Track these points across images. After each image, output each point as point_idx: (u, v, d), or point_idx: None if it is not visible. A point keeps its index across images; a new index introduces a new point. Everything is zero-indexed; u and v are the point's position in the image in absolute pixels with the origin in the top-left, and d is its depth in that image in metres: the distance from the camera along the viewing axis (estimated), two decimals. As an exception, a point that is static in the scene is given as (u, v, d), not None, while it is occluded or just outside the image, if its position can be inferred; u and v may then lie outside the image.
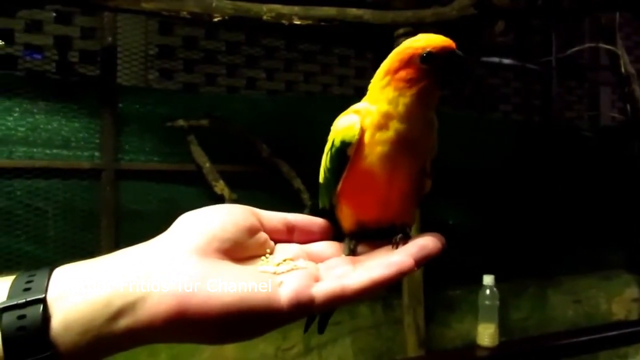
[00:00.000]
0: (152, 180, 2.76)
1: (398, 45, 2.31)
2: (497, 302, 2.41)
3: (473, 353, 2.36)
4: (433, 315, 3.26)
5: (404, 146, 0.66)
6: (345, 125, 0.68)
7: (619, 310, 4.12)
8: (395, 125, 0.66)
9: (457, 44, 0.65)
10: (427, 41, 0.65)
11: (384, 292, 3.21)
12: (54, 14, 2.76)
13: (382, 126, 0.67)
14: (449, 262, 3.25)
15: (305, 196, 2.81)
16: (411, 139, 0.66)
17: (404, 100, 0.66)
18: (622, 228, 4.08)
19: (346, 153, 0.68)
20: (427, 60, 0.64)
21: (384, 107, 0.67)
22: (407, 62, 0.66)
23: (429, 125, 0.68)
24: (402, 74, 0.66)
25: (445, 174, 3.42)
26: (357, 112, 0.69)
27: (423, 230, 2.28)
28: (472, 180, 3.53)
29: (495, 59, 4.08)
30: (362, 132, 0.67)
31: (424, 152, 0.69)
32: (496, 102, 4.36)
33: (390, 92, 0.67)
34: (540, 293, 3.88)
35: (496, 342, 2.35)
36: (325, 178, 0.74)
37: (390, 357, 3.21)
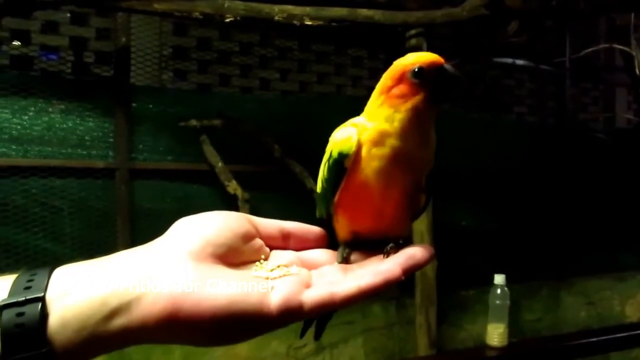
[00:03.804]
0: (165, 180, 2.78)
1: (410, 45, 2.32)
2: (508, 302, 2.40)
3: (482, 353, 2.36)
4: (445, 315, 3.26)
5: (399, 162, 0.68)
6: (343, 137, 0.70)
7: (633, 312, 4.10)
8: (391, 142, 0.67)
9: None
10: (416, 58, 0.68)
11: (397, 292, 3.22)
12: (69, 15, 2.79)
13: (378, 142, 0.68)
14: (463, 263, 3.25)
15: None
16: (407, 155, 0.68)
17: (399, 116, 0.67)
18: (636, 230, 4.05)
19: (343, 165, 0.70)
20: (419, 75, 0.67)
21: (381, 124, 0.69)
22: (399, 79, 0.68)
23: (426, 141, 0.70)
24: (396, 91, 0.68)
25: (459, 176, 3.42)
26: (355, 125, 0.71)
27: (435, 230, 2.30)
28: (486, 182, 3.53)
29: (509, 60, 4.06)
30: (360, 145, 0.69)
31: (419, 168, 0.70)
32: (510, 104, 4.34)
33: (385, 110, 0.68)
34: (553, 294, 3.86)
35: (505, 342, 2.34)
36: (323, 188, 0.75)
37: (401, 357, 3.21)
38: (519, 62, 4.08)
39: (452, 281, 3.23)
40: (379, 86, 0.70)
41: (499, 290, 2.41)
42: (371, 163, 0.68)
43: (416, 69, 0.66)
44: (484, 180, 3.52)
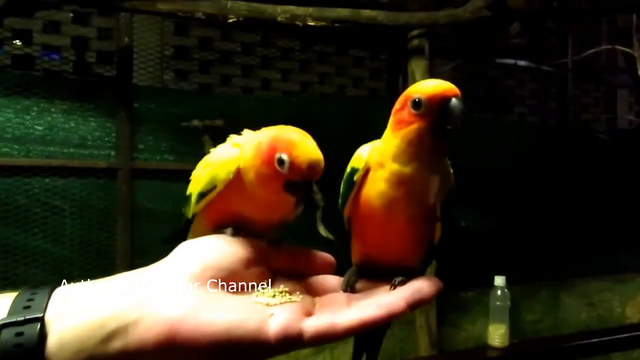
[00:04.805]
0: (167, 180, 2.78)
1: (412, 46, 2.32)
2: (508, 303, 2.40)
3: (484, 353, 2.36)
4: (445, 316, 3.26)
5: (399, 187, 0.67)
6: (357, 155, 0.72)
7: (633, 313, 4.09)
8: (390, 165, 0.68)
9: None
10: (423, 87, 0.66)
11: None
12: (72, 15, 2.79)
13: (381, 164, 0.69)
14: (463, 264, 3.24)
15: (319, 197, 2.81)
16: (405, 180, 0.67)
17: (395, 142, 0.67)
18: (637, 231, 4.04)
19: (353, 179, 0.71)
20: (417, 106, 0.65)
21: (385, 146, 0.69)
22: (403, 105, 0.67)
23: (429, 169, 0.68)
24: (399, 115, 0.68)
25: (459, 176, 3.42)
26: (372, 146, 0.72)
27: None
28: (487, 182, 3.52)
29: (511, 61, 4.06)
30: (368, 167, 0.70)
31: (424, 196, 0.69)
32: (511, 104, 4.34)
33: (390, 133, 0.69)
34: (554, 295, 3.86)
35: (506, 343, 2.34)
36: (340, 203, 0.76)
37: (402, 358, 3.21)
38: (521, 62, 4.08)
39: (452, 283, 3.22)
40: (394, 107, 0.70)
41: (499, 292, 2.41)
42: (375, 185, 0.69)
43: (416, 99, 0.65)
44: (485, 181, 3.51)
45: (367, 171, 0.70)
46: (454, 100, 0.65)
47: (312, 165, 0.64)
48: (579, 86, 4.56)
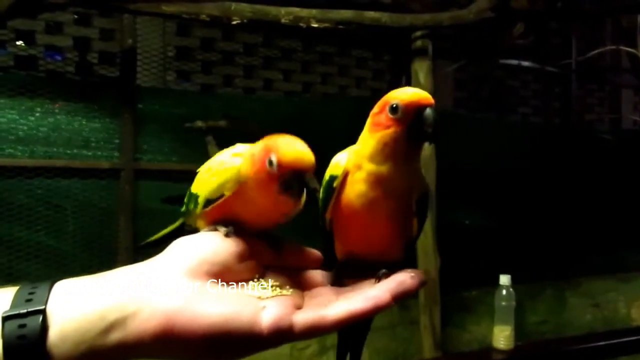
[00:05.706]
0: (170, 180, 2.78)
1: (415, 46, 2.31)
2: (514, 303, 2.37)
3: (489, 356, 2.33)
4: (449, 317, 3.24)
5: (376, 186, 0.71)
6: (334, 162, 0.75)
7: (639, 314, 4.07)
8: (367, 166, 0.71)
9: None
10: (401, 94, 0.69)
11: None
12: (76, 16, 2.79)
13: (358, 166, 0.72)
14: (467, 263, 3.23)
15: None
16: (382, 179, 0.70)
17: (371, 142, 0.71)
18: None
19: (332, 185, 0.74)
20: (394, 111, 0.69)
21: (361, 148, 0.72)
22: (382, 109, 0.70)
23: (404, 169, 0.71)
24: (377, 118, 0.71)
25: (463, 176, 3.40)
26: (349, 151, 0.75)
27: (438, 232, 2.27)
28: (491, 182, 3.52)
29: (514, 62, 4.06)
30: (347, 171, 0.73)
31: (399, 194, 0.72)
32: (515, 105, 4.33)
33: (366, 133, 0.72)
34: (558, 295, 3.84)
35: (512, 345, 2.31)
36: (320, 207, 0.78)
37: (406, 359, 3.20)
38: (525, 63, 4.07)
39: (455, 281, 3.22)
40: (372, 110, 0.73)
41: (504, 292, 2.38)
42: (354, 186, 0.72)
43: (394, 105, 0.68)
44: (489, 180, 3.50)
45: (345, 175, 0.73)
46: (428, 109, 0.69)
47: (298, 157, 0.66)
48: (583, 86, 4.56)
